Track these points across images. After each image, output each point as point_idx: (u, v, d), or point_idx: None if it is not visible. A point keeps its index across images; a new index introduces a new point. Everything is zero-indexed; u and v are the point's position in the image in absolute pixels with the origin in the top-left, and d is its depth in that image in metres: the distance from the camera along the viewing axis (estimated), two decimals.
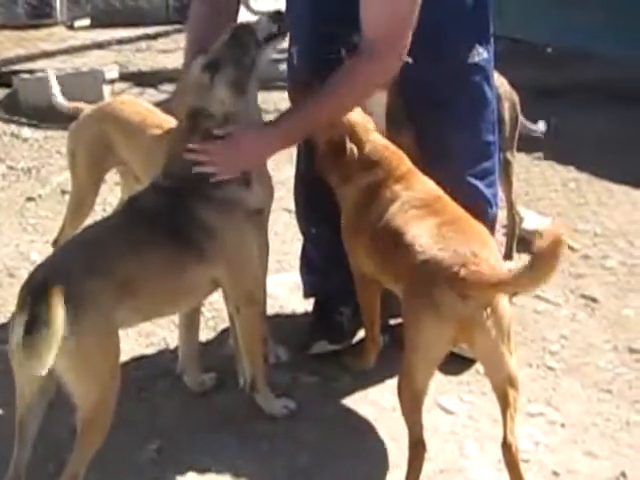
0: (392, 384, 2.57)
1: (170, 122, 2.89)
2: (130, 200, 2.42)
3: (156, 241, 2.24)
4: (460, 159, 2.69)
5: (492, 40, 2.66)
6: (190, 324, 2.67)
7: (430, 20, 2.36)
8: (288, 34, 2.51)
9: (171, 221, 2.26)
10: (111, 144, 2.99)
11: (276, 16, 2.39)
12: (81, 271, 2.08)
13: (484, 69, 2.68)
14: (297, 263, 3.11)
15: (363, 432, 2.50)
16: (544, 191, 4.34)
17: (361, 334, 2.92)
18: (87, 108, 3.13)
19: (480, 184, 2.77)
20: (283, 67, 2.82)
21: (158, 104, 3.54)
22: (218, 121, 2.31)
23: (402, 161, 2.51)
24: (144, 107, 3.07)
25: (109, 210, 3.82)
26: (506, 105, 3.23)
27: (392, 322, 2.89)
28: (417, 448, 2.19)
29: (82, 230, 2.49)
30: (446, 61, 2.59)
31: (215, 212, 2.30)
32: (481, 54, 2.65)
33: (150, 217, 2.27)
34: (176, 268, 2.26)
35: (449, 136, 2.64)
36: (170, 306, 2.42)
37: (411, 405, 2.21)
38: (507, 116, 3.24)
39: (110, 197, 4.08)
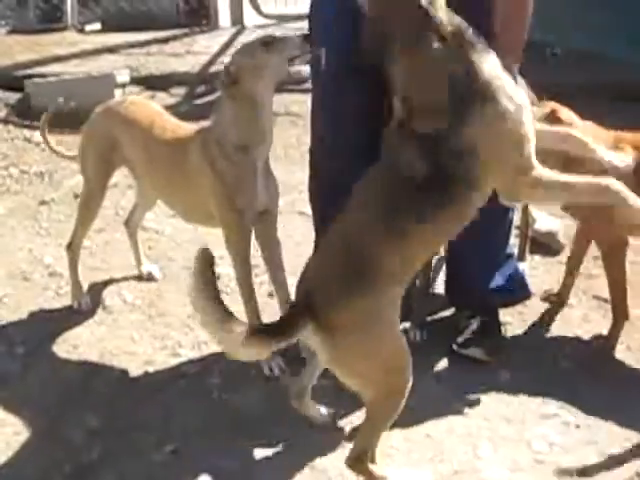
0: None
1: (176, 124, 2.95)
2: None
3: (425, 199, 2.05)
4: None
5: None
6: None
7: None
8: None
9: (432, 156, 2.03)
10: (117, 142, 3.03)
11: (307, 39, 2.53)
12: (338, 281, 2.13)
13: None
14: None
15: None
16: None
17: None
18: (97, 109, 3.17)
19: None
20: (292, 70, 2.81)
21: (169, 107, 3.56)
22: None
23: None
24: (152, 108, 3.09)
25: (122, 214, 3.83)
26: None
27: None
28: None
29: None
30: None
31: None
32: None
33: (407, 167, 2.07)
34: (460, 210, 2.11)
35: None
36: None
37: None
38: None
39: (123, 201, 4.11)
